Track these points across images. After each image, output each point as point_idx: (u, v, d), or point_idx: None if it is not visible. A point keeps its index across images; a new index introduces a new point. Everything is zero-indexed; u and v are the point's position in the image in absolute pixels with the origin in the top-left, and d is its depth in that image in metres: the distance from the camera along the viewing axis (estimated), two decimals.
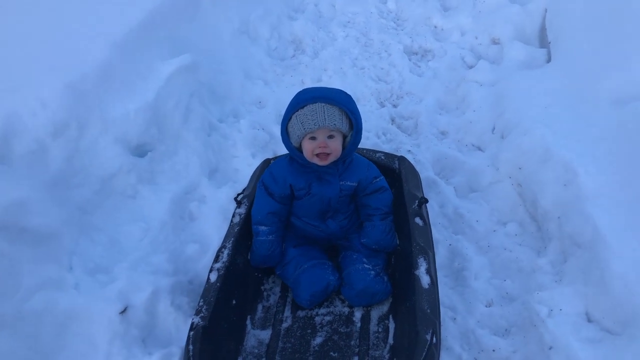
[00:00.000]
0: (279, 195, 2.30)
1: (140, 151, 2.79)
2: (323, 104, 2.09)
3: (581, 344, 1.89)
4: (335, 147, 2.14)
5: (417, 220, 2.28)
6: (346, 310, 2.24)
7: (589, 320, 2.02)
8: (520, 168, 2.82)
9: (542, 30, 4.11)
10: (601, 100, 2.80)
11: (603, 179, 2.37)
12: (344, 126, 2.13)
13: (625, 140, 2.48)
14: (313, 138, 2.12)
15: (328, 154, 2.14)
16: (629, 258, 2.00)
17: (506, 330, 2.20)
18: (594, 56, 3.13)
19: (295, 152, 2.21)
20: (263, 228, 2.32)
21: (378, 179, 2.37)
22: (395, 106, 3.81)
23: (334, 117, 2.09)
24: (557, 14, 3.94)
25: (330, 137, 2.12)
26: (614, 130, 2.58)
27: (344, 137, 2.19)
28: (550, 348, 1.96)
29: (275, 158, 2.70)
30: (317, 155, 2.14)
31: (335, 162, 2.22)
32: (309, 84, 3.97)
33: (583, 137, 2.67)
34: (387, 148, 3.26)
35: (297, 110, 2.11)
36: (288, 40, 4.49)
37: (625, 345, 1.82)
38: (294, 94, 2.22)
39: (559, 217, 2.43)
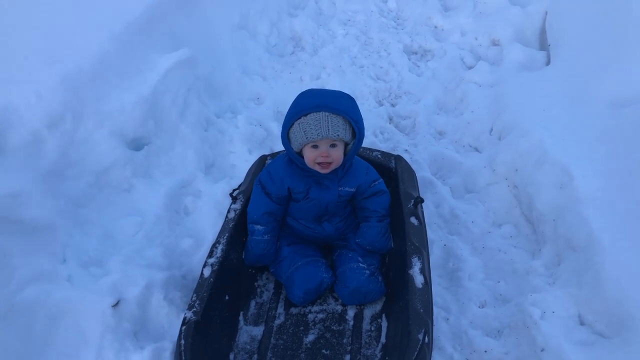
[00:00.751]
0: (276, 195, 2.29)
1: (136, 145, 2.78)
2: (327, 114, 2.03)
3: (573, 347, 1.89)
4: (337, 156, 2.12)
5: (413, 219, 2.27)
6: (339, 308, 2.24)
7: (582, 323, 2.03)
8: (516, 170, 2.82)
9: (542, 33, 4.11)
10: (599, 104, 2.80)
11: (599, 183, 2.38)
12: (347, 135, 2.10)
13: (623, 143, 2.48)
14: (315, 146, 2.09)
15: (330, 163, 2.12)
16: (623, 262, 2.00)
17: (499, 331, 2.20)
18: (593, 59, 3.13)
19: (296, 157, 2.17)
20: (259, 227, 2.31)
21: (377, 182, 2.36)
22: (393, 105, 3.80)
23: (338, 127, 2.05)
24: (557, 16, 3.94)
25: (333, 145, 2.09)
26: (612, 134, 2.58)
27: (346, 144, 2.16)
28: (542, 350, 1.96)
29: (272, 155, 2.70)
30: (319, 163, 2.12)
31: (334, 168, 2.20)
32: (308, 81, 3.96)
33: (580, 140, 2.67)
34: (384, 147, 3.26)
35: (300, 118, 2.06)
36: (287, 36, 4.48)
37: (617, 349, 1.82)
38: (294, 94, 2.19)
39: (554, 220, 2.43)
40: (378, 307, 2.24)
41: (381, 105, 3.78)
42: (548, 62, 3.76)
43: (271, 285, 2.37)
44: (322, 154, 2.08)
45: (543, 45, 4.04)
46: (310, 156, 2.11)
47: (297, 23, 4.55)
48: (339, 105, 2.07)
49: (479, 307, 2.31)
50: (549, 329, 1.97)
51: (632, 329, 1.81)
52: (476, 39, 4.32)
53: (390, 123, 3.60)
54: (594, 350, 1.87)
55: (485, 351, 2.09)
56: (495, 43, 4.22)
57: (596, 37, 3.26)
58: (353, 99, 2.19)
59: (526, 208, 2.70)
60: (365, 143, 3.17)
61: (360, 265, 2.26)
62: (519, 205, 2.77)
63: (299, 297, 2.21)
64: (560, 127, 2.81)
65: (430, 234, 2.45)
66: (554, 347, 1.92)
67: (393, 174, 2.57)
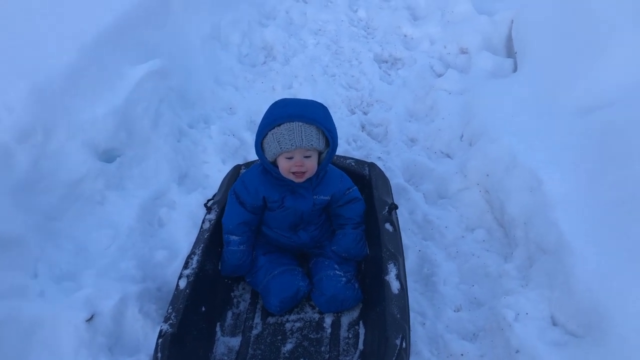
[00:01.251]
0: (250, 205, 2.28)
1: (108, 156, 2.76)
2: (300, 124, 2.04)
3: (547, 347, 1.93)
4: (312, 165, 2.13)
5: (387, 226, 2.30)
6: (316, 316, 2.25)
7: (554, 324, 2.06)
8: (487, 175, 2.87)
9: (509, 41, 4.20)
10: (566, 109, 2.87)
11: (567, 186, 2.43)
12: (321, 145, 2.11)
13: (589, 148, 2.54)
14: (290, 157, 2.09)
15: (304, 172, 2.13)
16: (592, 263, 2.05)
17: (474, 334, 2.23)
18: (559, 66, 3.21)
19: (270, 167, 2.18)
20: (234, 238, 2.30)
21: (351, 190, 2.38)
22: (365, 113, 3.84)
23: (311, 137, 2.06)
24: (523, 25, 4.04)
25: (307, 156, 2.10)
26: (578, 139, 2.64)
27: (320, 153, 2.17)
28: (517, 352, 1.99)
29: (246, 165, 2.70)
30: (293, 173, 2.13)
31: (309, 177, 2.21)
32: (280, 90, 3.97)
33: (548, 145, 2.73)
34: (357, 155, 3.28)
35: (274, 128, 2.07)
36: (259, 46, 4.48)
37: (589, 348, 1.86)
38: (267, 103, 2.19)
39: (524, 223, 2.48)
40: (355, 314, 2.25)
41: (353, 113, 3.81)
42: (515, 69, 3.84)
43: (247, 295, 2.36)
44: (297, 163, 2.10)
45: (510, 52, 4.13)
46: (284, 166, 2.12)
47: (268, 33, 4.56)
48: (312, 115, 2.09)
49: (455, 311, 2.34)
50: (523, 331, 2.01)
51: (602, 328, 1.85)
52: (445, 47, 4.38)
53: (362, 131, 3.63)
54: (567, 350, 1.91)
55: (462, 354, 2.12)
56: (463, 51, 4.29)
57: (561, 44, 3.35)
58: (326, 107, 2.21)
59: (498, 212, 2.75)
60: (339, 151, 3.17)
61: (337, 272, 2.27)
62: (491, 209, 2.82)
63: (276, 306, 2.20)
64: (529, 133, 2.87)
65: (405, 240, 2.48)
66: (528, 348, 1.95)
67: (367, 181, 2.59)
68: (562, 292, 2.08)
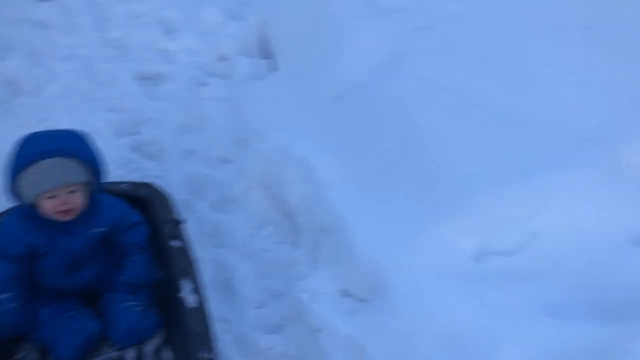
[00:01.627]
0: (15, 256, 2.05)
1: None
2: (57, 159, 1.87)
3: (342, 318, 2.08)
4: (79, 200, 1.97)
5: (174, 243, 2.26)
6: (116, 354, 2.12)
7: (346, 296, 2.22)
8: (265, 173, 2.98)
9: (263, 43, 4.38)
10: (323, 98, 3.08)
11: (335, 169, 2.62)
12: (85, 177, 1.96)
13: (349, 129, 2.78)
14: (52, 196, 1.91)
15: (71, 209, 1.96)
16: (368, 234, 2.24)
17: (279, 325, 2.31)
18: (312, 60, 3.43)
19: (31, 209, 1.97)
20: (4, 296, 2.04)
21: (130, 215, 2.27)
22: (136, 134, 3.69)
23: (72, 171, 1.90)
24: (275, 26, 4.24)
25: (71, 192, 1.94)
26: (338, 122, 2.86)
27: (88, 183, 2.01)
28: (319, 330, 2.11)
29: (2, 213, 2.40)
30: (59, 212, 1.95)
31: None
32: (36, 125, 3.58)
33: (313, 133, 2.91)
34: (134, 177, 3.14)
35: (25, 169, 1.86)
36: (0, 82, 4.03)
37: (375, 309, 2.04)
38: (15, 143, 1.97)
39: (305, 210, 2.62)
40: (158, 341, 2.17)
41: (122, 136, 3.64)
42: (274, 69, 4.03)
43: (34, 354, 2.12)
44: (61, 202, 1.93)
45: (265, 54, 4.31)
46: (48, 206, 1.93)
47: (8, 66, 4.11)
48: (69, 147, 1.94)
49: (257, 308, 2.39)
50: (319, 309, 2.14)
51: (384, 290, 2.04)
52: (204, 56, 4.41)
53: (135, 153, 3.49)
54: (359, 316, 2.07)
55: (269, 348, 2.18)
56: (223, 58, 4.36)
57: (311, 40, 3.57)
58: (84, 135, 2.06)
59: (281, 205, 2.86)
60: (114, 178, 3.03)
61: (130, 304, 2.16)
62: (274, 204, 2.92)
63: (69, 356, 2.03)
64: (294, 126, 3.03)
65: (198, 252, 2.44)
66: (326, 324, 2.08)
67: (145, 202, 2.50)
68: (347, 266, 2.24)
